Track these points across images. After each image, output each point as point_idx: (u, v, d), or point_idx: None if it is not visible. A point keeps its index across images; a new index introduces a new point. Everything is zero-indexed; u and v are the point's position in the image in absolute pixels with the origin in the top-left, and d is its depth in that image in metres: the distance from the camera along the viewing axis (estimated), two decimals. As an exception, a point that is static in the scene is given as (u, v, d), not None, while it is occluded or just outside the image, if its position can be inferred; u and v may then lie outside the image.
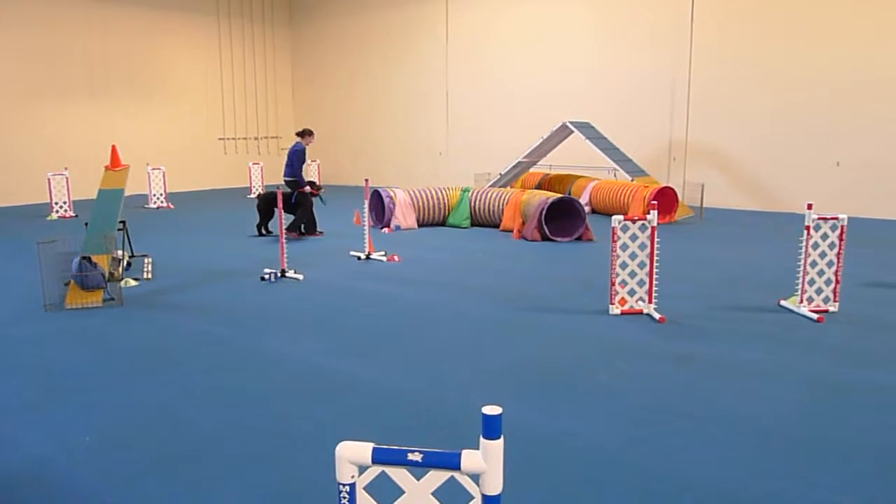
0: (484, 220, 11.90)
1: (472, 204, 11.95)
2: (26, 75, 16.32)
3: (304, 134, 10.70)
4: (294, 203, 10.61)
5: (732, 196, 14.28)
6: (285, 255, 7.99)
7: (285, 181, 10.69)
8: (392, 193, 11.77)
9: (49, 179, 13.73)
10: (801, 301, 6.27)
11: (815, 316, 6.05)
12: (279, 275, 7.85)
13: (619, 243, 6.19)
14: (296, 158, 10.55)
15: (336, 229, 11.60)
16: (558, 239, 10.35)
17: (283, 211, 9.90)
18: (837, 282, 6.25)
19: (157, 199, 15.29)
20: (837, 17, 12.79)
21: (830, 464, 3.46)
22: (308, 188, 10.60)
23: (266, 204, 10.85)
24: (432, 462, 1.71)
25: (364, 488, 1.81)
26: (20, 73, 16.22)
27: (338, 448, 1.76)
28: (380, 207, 11.89)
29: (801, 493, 3.18)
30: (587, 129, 13.45)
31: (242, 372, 4.87)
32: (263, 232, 10.97)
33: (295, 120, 22.16)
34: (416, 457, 1.70)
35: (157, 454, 3.61)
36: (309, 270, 8.15)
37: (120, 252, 8.07)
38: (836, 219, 6.19)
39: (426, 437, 3.78)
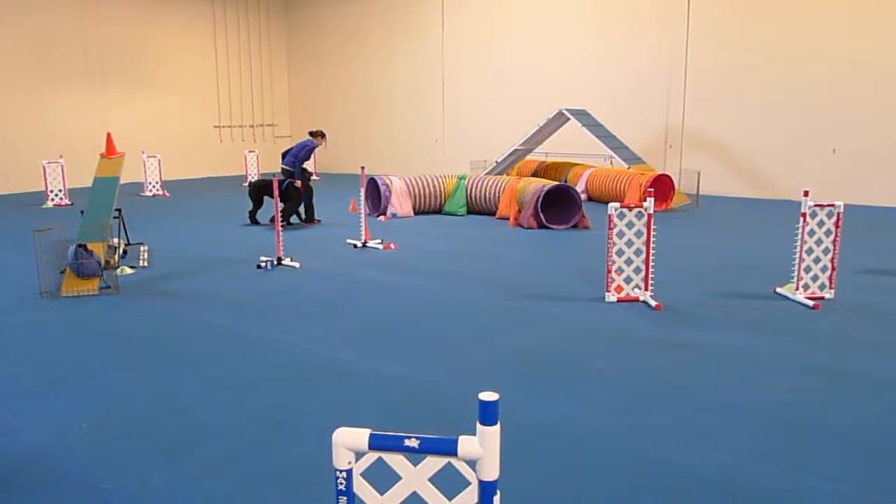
0: (480, 208, 11.89)
1: (469, 192, 11.93)
2: (21, 63, 16.20)
3: (317, 135, 10.89)
4: (284, 192, 10.66)
5: (729, 183, 14.28)
6: (281, 243, 7.98)
7: (282, 168, 10.82)
8: (388, 181, 11.74)
9: (44, 167, 13.66)
10: (798, 288, 6.28)
11: (811, 303, 6.07)
12: (275, 263, 7.84)
13: (615, 231, 6.19)
14: (301, 153, 10.70)
15: (332, 217, 11.59)
16: (554, 226, 10.35)
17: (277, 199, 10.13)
18: (833, 269, 6.26)
19: (153, 187, 15.25)
20: (834, 4, 12.75)
21: (826, 450, 3.48)
22: (298, 182, 10.65)
23: (257, 191, 10.91)
24: (429, 448, 1.72)
25: (361, 474, 1.81)
26: (15, 61, 16.10)
27: (334, 434, 1.76)
28: (376, 195, 11.86)
29: (797, 479, 3.20)
30: (583, 117, 13.42)
31: (239, 359, 4.87)
32: (256, 220, 11.01)
33: (290, 107, 22.08)
34: (413, 443, 1.71)
35: (154, 441, 3.62)
36: (305, 258, 8.14)
37: (116, 240, 8.05)
38: (832, 206, 6.20)
39: (423, 424, 3.78)
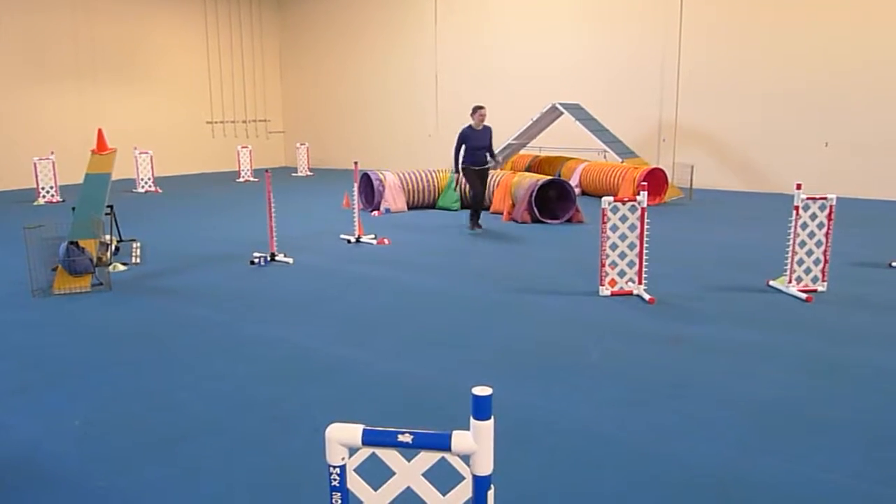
0: (474, 203, 11.86)
1: (463, 186, 11.91)
2: (12, 59, 16.09)
3: (472, 111, 9.44)
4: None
5: (722, 177, 14.30)
6: (275, 239, 7.96)
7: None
8: (381, 176, 11.72)
9: (35, 164, 13.59)
10: (790, 281, 6.30)
11: (803, 296, 6.09)
12: (269, 259, 7.82)
13: (609, 225, 6.19)
14: (456, 142, 9.51)
15: (325, 213, 11.57)
16: (548, 221, 10.35)
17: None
18: (826, 262, 6.28)
19: (145, 183, 15.18)
20: (827, -3, 12.79)
21: (821, 442, 3.49)
22: (457, 176, 9.90)
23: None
24: (422, 443, 1.71)
25: (354, 470, 1.81)
26: (6, 58, 15.99)
27: (328, 430, 1.76)
28: (369, 190, 11.84)
29: (791, 470, 3.21)
30: (577, 111, 13.42)
31: (233, 356, 4.86)
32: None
33: (283, 103, 22.01)
34: (407, 438, 1.70)
35: (147, 438, 3.61)
36: (299, 254, 8.12)
37: (108, 237, 8.01)
38: (824, 199, 6.21)
39: (417, 419, 3.78)
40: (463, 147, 9.49)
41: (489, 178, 10.10)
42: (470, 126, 9.41)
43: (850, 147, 12.79)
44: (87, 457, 3.41)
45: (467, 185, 10.09)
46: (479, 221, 9.84)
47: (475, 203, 9.75)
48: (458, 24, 17.70)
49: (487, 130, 9.47)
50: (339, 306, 6.10)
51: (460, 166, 9.57)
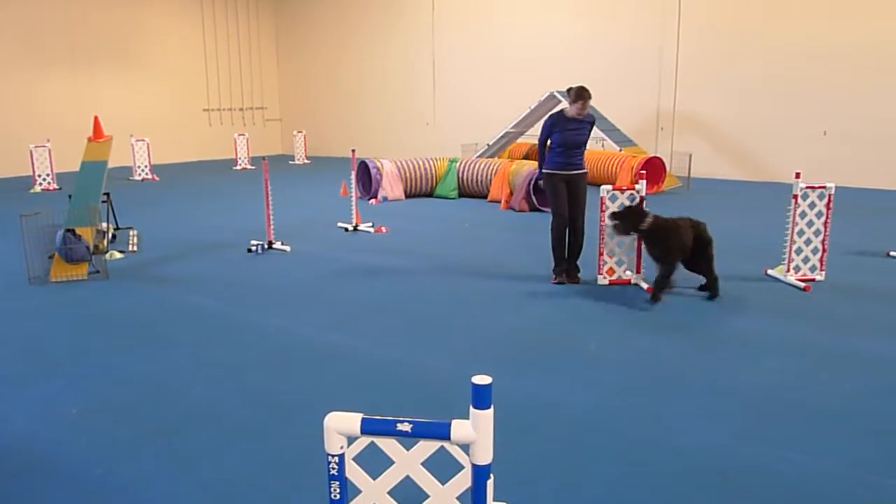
0: (472, 191, 11.85)
1: (460, 175, 11.89)
2: (6, 46, 15.99)
3: (573, 95, 6.09)
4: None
5: (720, 166, 14.28)
6: (272, 227, 7.94)
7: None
8: (379, 164, 11.68)
9: (31, 152, 13.52)
10: (789, 270, 6.29)
11: (802, 284, 6.09)
12: (266, 247, 7.80)
13: (607, 213, 6.17)
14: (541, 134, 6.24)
15: (322, 201, 11.53)
16: (546, 209, 10.32)
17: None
18: (824, 250, 6.27)
19: (142, 171, 15.12)
20: (827, -15, 12.72)
21: (818, 430, 3.49)
22: (542, 181, 6.39)
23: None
24: (422, 432, 1.70)
25: (353, 459, 1.80)
26: (1, 45, 15.88)
27: (326, 419, 1.75)
28: (367, 178, 11.81)
29: (787, 459, 3.21)
30: (575, 99, 13.34)
31: (230, 344, 4.85)
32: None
33: (280, 90, 21.91)
34: (406, 427, 1.70)
35: (145, 427, 3.60)
36: (296, 242, 8.10)
37: (105, 224, 7.99)
38: (823, 187, 6.20)
39: (415, 408, 3.78)
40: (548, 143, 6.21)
41: (586, 193, 6.34)
42: (561, 112, 6.19)
43: (848, 136, 12.77)
44: (84, 445, 3.41)
45: (549, 204, 6.40)
46: (576, 270, 6.37)
47: (559, 234, 6.29)
48: (456, 12, 17.60)
49: (588, 123, 6.23)
50: (336, 294, 6.08)
51: (543, 171, 6.28)
